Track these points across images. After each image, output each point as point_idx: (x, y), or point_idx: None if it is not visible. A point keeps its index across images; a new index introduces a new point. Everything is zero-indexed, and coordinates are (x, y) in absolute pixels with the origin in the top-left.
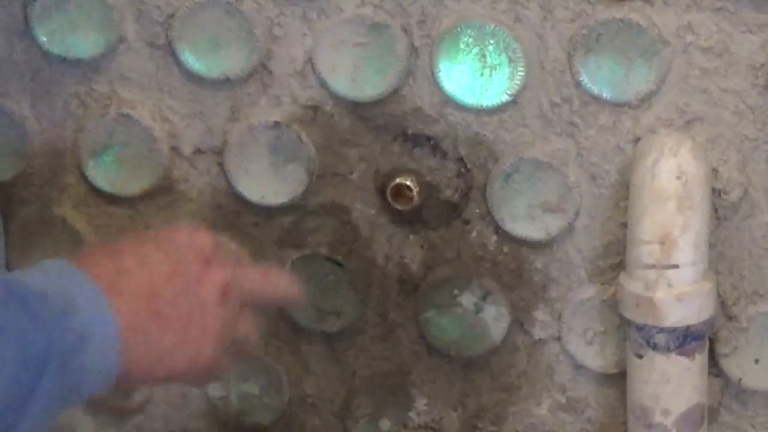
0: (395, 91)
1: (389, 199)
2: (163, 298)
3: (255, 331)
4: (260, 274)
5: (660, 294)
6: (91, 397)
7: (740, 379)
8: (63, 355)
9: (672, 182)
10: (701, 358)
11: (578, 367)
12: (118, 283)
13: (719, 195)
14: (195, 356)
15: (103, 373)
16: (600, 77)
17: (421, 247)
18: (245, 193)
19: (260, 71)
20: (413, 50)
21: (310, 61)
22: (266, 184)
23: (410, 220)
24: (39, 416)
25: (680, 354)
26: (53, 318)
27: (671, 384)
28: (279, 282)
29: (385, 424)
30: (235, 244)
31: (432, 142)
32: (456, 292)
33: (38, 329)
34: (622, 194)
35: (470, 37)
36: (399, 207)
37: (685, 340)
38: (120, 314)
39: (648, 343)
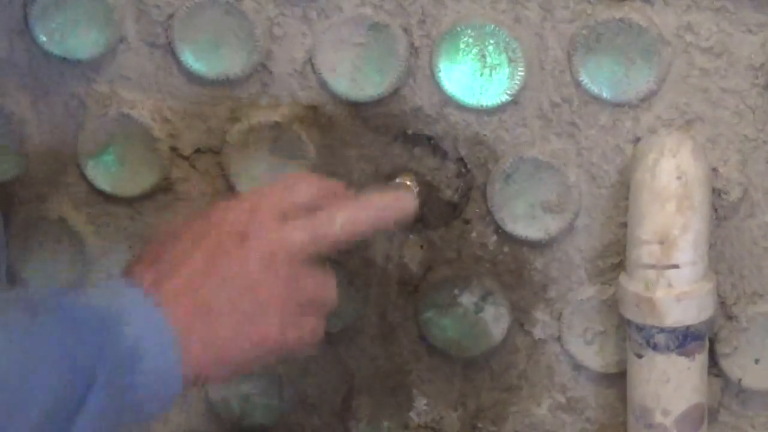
0: (395, 91)
1: None
2: (208, 289)
3: (331, 286)
4: (312, 224)
5: (660, 294)
6: (159, 412)
7: (740, 379)
8: (115, 366)
9: (672, 182)
10: (701, 358)
11: (578, 367)
12: (161, 287)
13: (719, 195)
14: (262, 334)
15: (166, 381)
16: (600, 77)
17: (421, 247)
18: None
19: (260, 71)
20: (413, 50)
21: (310, 61)
22: (266, 185)
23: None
24: None
25: (680, 354)
26: (102, 328)
27: (671, 384)
28: (338, 221)
29: (385, 424)
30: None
31: (432, 142)
32: (456, 292)
33: (86, 339)
34: (622, 194)
35: (470, 37)
36: None
37: (685, 340)
38: (170, 318)
39: (648, 343)
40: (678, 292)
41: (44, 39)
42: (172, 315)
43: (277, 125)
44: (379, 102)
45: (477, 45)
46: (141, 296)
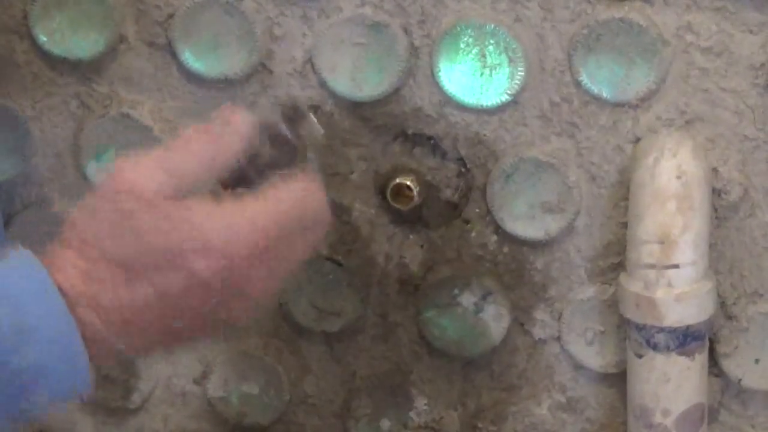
0: (395, 91)
1: (389, 199)
2: (135, 300)
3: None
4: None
5: (660, 294)
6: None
7: (740, 379)
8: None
9: (672, 182)
10: (701, 358)
11: (578, 367)
12: (86, 293)
13: (719, 195)
14: (188, 334)
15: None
16: (600, 77)
17: (421, 247)
18: None
19: (260, 71)
20: (413, 50)
21: (310, 61)
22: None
23: (410, 220)
24: None
25: (680, 354)
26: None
27: (671, 384)
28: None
29: (385, 424)
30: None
31: (432, 142)
32: (456, 292)
33: None
34: (622, 194)
35: (470, 37)
36: (399, 207)
37: (685, 340)
38: (82, 324)
39: (648, 343)
40: (678, 292)
41: (44, 39)
42: (87, 324)
43: None
44: (379, 102)
45: (477, 45)
46: (55, 305)
